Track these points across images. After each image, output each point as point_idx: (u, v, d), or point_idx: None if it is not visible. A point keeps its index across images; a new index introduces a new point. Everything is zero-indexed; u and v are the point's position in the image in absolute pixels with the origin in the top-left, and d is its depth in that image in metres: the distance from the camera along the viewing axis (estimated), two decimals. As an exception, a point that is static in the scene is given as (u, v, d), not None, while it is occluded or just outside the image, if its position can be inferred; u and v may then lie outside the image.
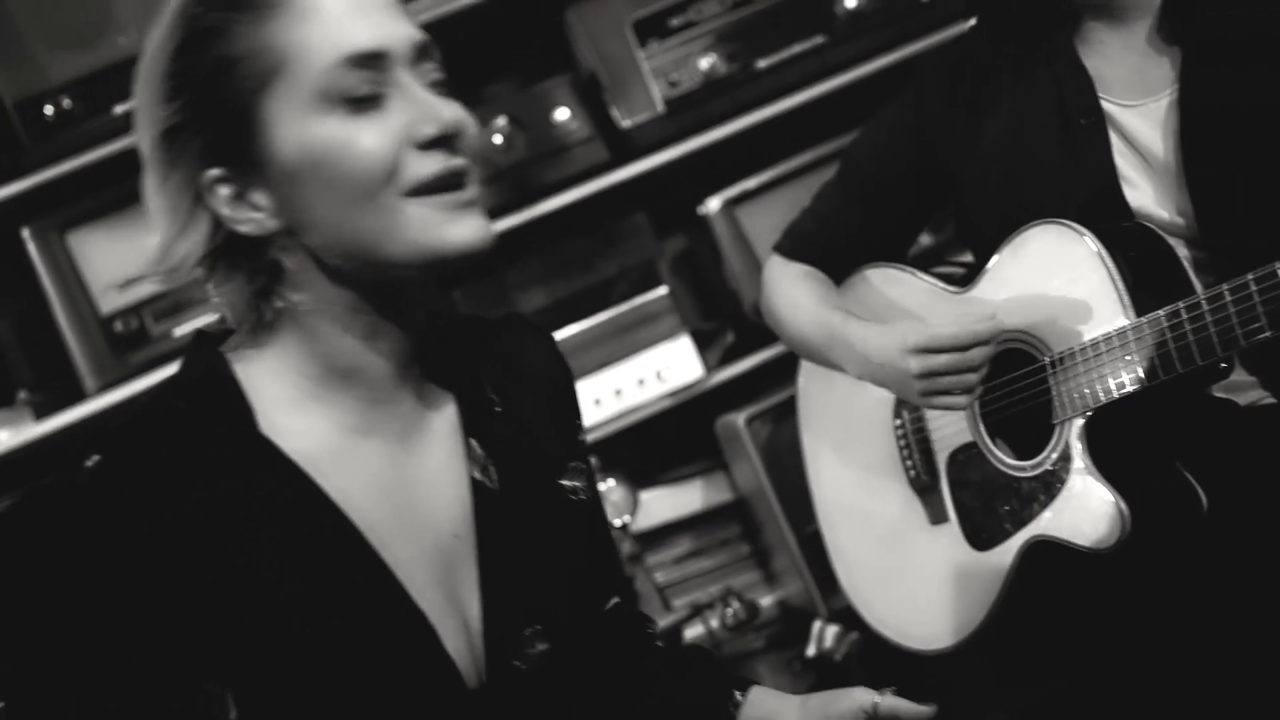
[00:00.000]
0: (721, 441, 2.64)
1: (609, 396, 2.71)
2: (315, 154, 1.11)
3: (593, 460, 1.45)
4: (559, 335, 2.68)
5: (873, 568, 2.02)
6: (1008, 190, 1.80)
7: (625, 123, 2.74)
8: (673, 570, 2.68)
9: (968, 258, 2.01)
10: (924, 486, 1.94)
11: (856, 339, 1.84)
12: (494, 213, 2.67)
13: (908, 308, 1.93)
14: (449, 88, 1.17)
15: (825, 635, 2.46)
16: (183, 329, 2.65)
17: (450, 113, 1.13)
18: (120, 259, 2.65)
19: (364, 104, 1.11)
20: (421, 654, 1.16)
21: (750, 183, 2.77)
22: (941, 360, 1.72)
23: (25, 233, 2.63)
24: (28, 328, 2.74)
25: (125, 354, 2.63)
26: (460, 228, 1.12)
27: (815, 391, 2.10)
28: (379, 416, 1.19)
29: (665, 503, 2.69)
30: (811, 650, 2.48)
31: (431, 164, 1.11)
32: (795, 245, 2.02)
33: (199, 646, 1.10)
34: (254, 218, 1.14)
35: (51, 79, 2.64)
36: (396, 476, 1.19)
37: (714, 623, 2.44)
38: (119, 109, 2.64)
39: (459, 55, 2.72)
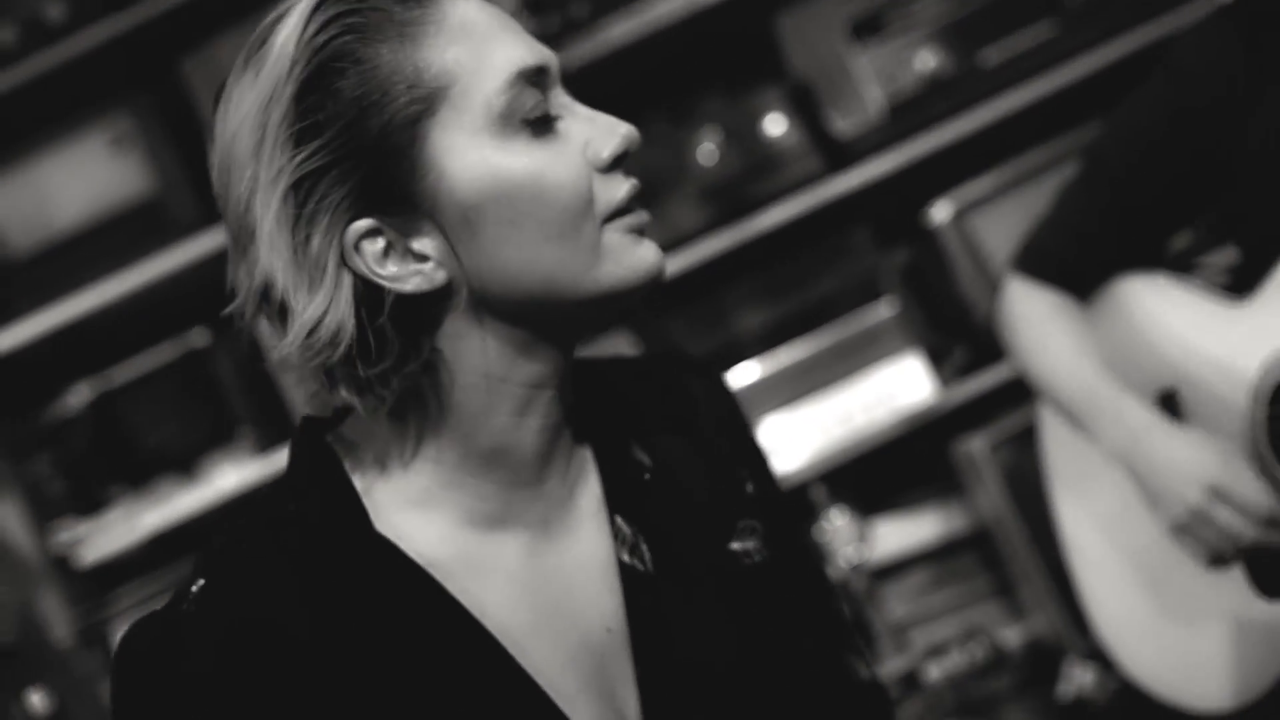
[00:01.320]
0: (959, 467, 2.45)
1: (835, 422, 2.56)
2: (504, 187, 0.96)
3: (778, 509, 1.17)
4: (777, 358, 2.58)
5: (1135, 614, 1.82)
6: None
7: (841, 129, 2.59)
8: (910, 605, 2.51)
9: (1220, 257, 1.79)
10: (1195, 526, 1.72)
11: (1135, 423, 1.66)
12: (705, 230, 2.61)
13: (1175, 330, 1.71)
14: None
15: (1082, 676, 2.25)
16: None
17: (628, 127, 1.00)
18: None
19: (543, 126, 0.98)
20: None
21: (980, 186, 2.58)
22: (1224, 515, 1.55)
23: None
24: (244, 365, 2.74)
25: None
26: (647, 251, 1.00)
27: (1062, 427, 1.90)
28: (520, 501, 1.04)
29: (899, 533, 2.52)
30: (1067, 691, 2.28)
31: (619, 187, 1.00)
32: (1037, 263, 1.81)
33: None
34: (420, 271, 0.97)
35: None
36: (538, 568, 1.04)
37: (954, 663, 2.26)
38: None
39: (664, 70, 2.68)
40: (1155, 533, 1.76)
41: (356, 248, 0.96)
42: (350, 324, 0.95)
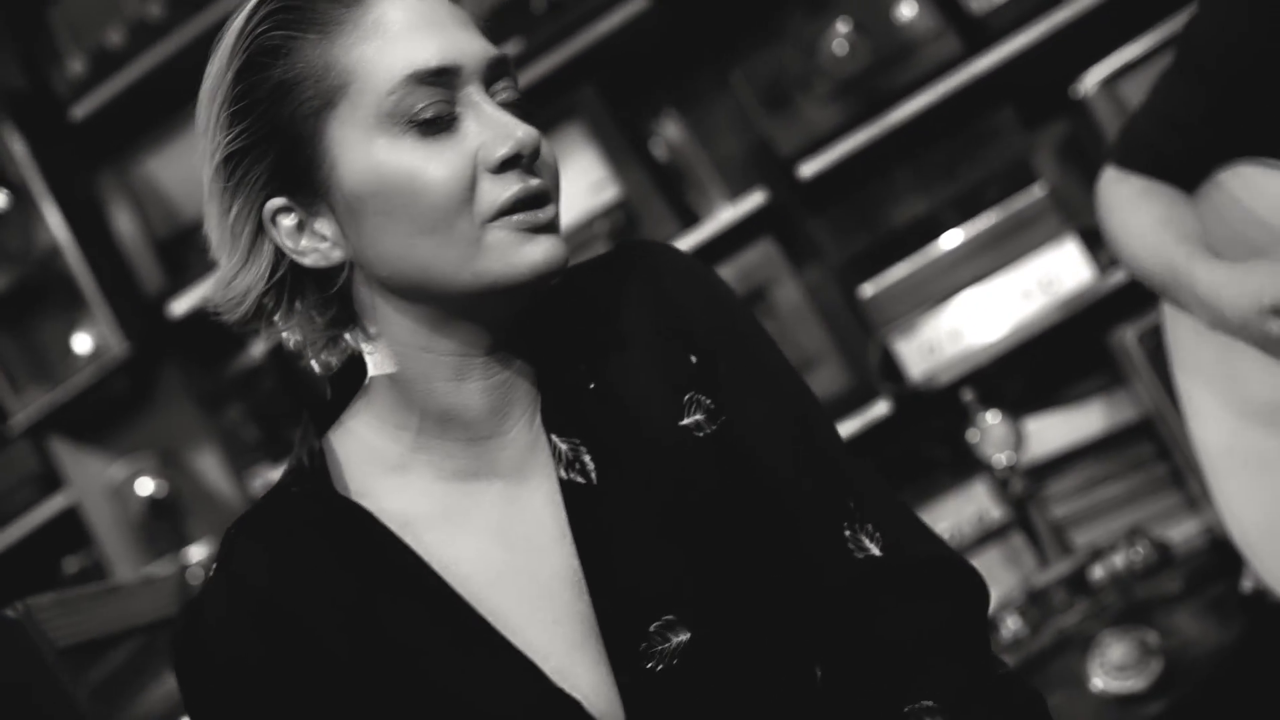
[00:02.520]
0: (1117, 357, 2.33)
1: (990, 315, 2.46)
2: (382, 182, 1.04)
3: (741, 378, 1.15)
4: (929, 250, 2.49)
5: (1268, 518, 1.71)
6: None
7: (977, 6, 2.44)
8: (1076, 501, 2.42)
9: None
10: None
11: (1205, 286, 1.55)
12: (845, 127, 2.53)
13: (1273, 203, 1.58)
14: (524, 108, 1.09)
15: (1261, 568, 2.13)
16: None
17: (526, 131, 1.05)
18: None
19: (433, 126, 1.04)
20: (530, 697, 1.06)
21: (1130, 51, 2.39)
22: None
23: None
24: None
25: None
26: (535, 249, 1.05)
27: (1184, 321, 1.78)
28: (488, 453, 1.12)
29: (1061, 428, 2.42)
30: (1248, 585, 2.17)
31: (507, 188, 1.05)
32: (1132, 154, 1.71)
33: None
34: (318, 249, 1.09)
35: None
36: (512, 511, 1.12)
37: (1119, 565, 2.17)
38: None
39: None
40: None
41: (274, 221, 1.08)
42: (260, 285, 1.09)
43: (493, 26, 1.10)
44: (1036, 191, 2.48)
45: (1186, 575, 2.14)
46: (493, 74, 1.07)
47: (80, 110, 2.80)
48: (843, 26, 2.53)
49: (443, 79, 1.04)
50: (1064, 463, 2.43)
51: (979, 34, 2.45)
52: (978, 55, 2.45)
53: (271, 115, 1.06)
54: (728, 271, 2.61)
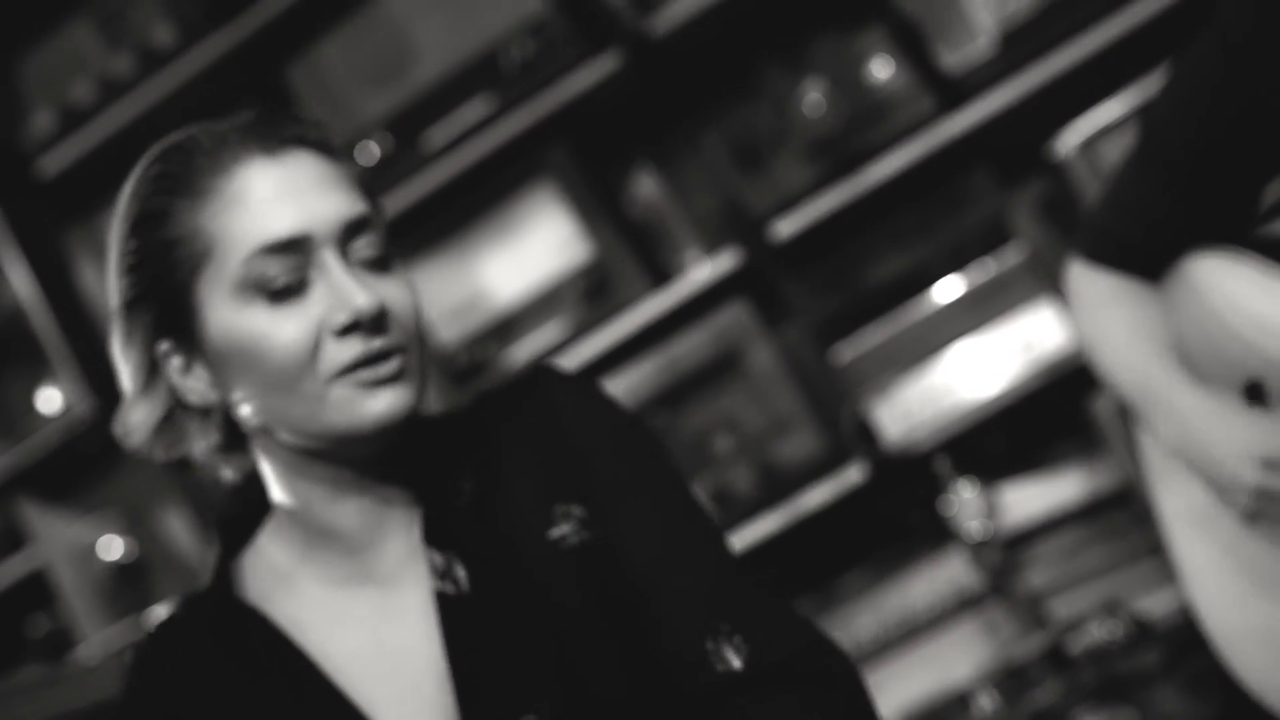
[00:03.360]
0: (1101, 423, 2.28)
1: (967, 378, 2.41)
2: (238, 342, 1.15)
3: (613, 489, 1.22)
4: (905, 311, 2.44)
5: (1250, 624, 1.64)
6: None
7: (951, 65, 2.41)
8: (1054, 570, 2.36)
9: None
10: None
11: (1185, 411, 1.49)
12: (818, 186, 2.49)
13: (1259, 315, 1.52)
14: (385, 263, 1.17)
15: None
16: (521, 352, 2.62)
17: (365, 300, 1.12)
18: (442, 290, 2.65)
19: (283, 294, 1.14)
20: None
21: (1107, 112, 2.35)
22: None
23: (362, 276, 2.67)
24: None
25: (468, 382, 2.63)
26: (375, 403, 1.14)
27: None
28: (365, 563, 1.22)
29: (1040, 495, 2.36)
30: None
31: (348, 350, 1.13)
32: (1096, 247, 1.65)
33: None
34: (196, 389, 1.19)
35: (366, 117, 2.66)
36: (383, 617, 1.21)
37: (1096, 639, 2.11)
38: (431, 140, 2.62)
39: (759, 21, 2.54)
40: (1260, 541, 1.59)
41: (167, 359, 1.19)
42: (153, 416, 1.20)
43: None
44: (1013, 253, 2.44)
45: (1166, 649, 2.08)
46: (350, 234, 1.15)
47: (48, 167, 2.78)
48: (816, 86, 2.49)
49: (294, 248, 1.13)
50: (1042, 530, 2.37)
51: (953, 93, 2.42)
52: (952, 114, 2.41)
53: (156, 271, 1.17)
54: (700, 334, 2.56)
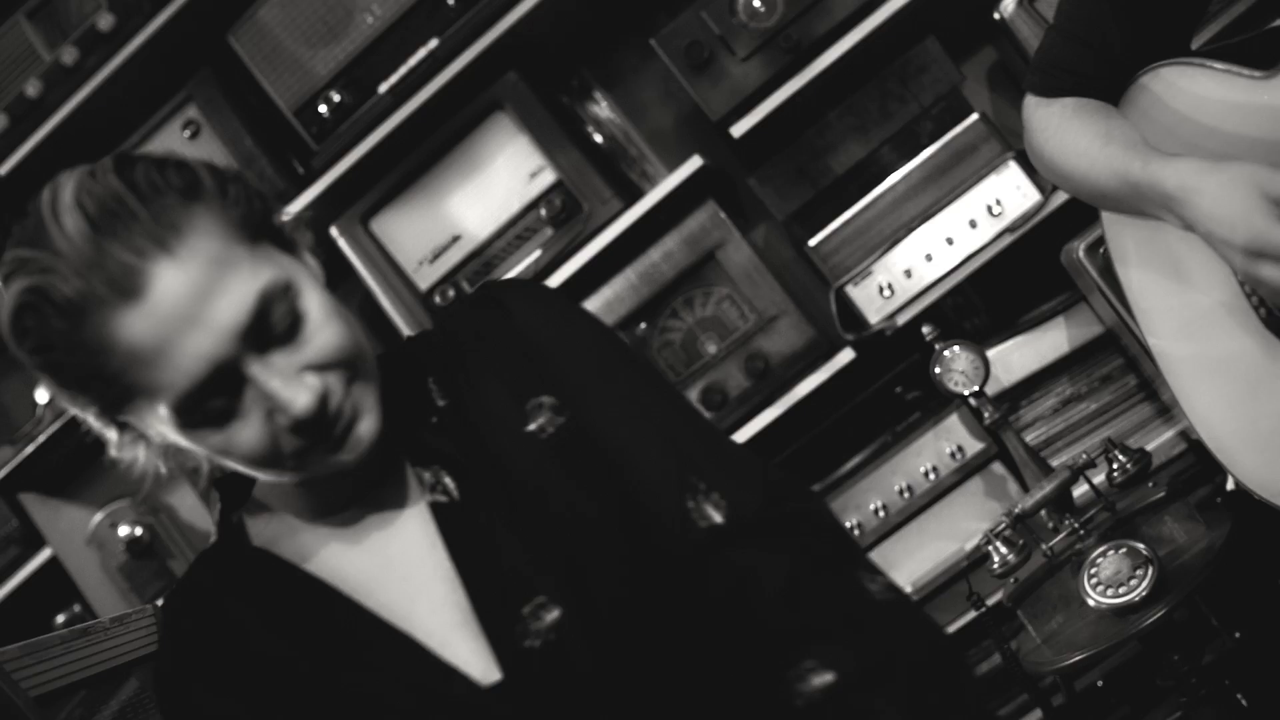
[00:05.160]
0: (1070, 273, 2.32)
1: (940, 247, 2.45)
2: (205, 450, 1.17)
3: (577, 374, 1.27)
4: (873, 193, 2.47)
5: (1237, 421, 1.69)
6: None
7: (888, -58, 2.43)
8: (1052, 422, 2.40)
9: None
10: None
11: (1174, 184, 1.51)
12: (771, 83, 2.51)
13: (1206, 120, 1.55)
14: (300, 318, 1.15)
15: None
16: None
17: (301, 405, 1.13)
18: (421, 234, 2.67)
19: (225, 415, 1.14)
20: (422, 671, 1.19)
21: (1046, -34, 2.38)
22: (1269, 272, 1.41)
23: (334, 231, 2.69)
24: (362, 320, 2.81)
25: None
26: (348, 455, 1.18)
27: (1125, 229, 1.76)
28: (357, 493, 1.27)
29: (1029, 351, 2.40)
30: (1230, 484, 2.15)
31: (306, 436, 1.15)
32: (1051, 79, 1.67)
33: None
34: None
35: (317, 77, 2.67)
36: (386, 535, 1.26)
37: (1100, 480, 2.16)
38: (383, 87, 2.63)
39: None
40: (1241, 340, 1.63)
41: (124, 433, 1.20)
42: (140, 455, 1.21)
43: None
44: (972, 120, 2.47)
45: (1168, 482, 2.12)
46: (258, 327, 1.12)
47: (3, 167, 2.77)
48: (756, -19, 2.50)
49: (213, 381, 1.11)
50: (1034, 386, 2.41)
51: (894, -31, 2.43)
52: (894, -9, 2.43)
53: (80, 399, 1.15)
54: (674, 241, 2.59)
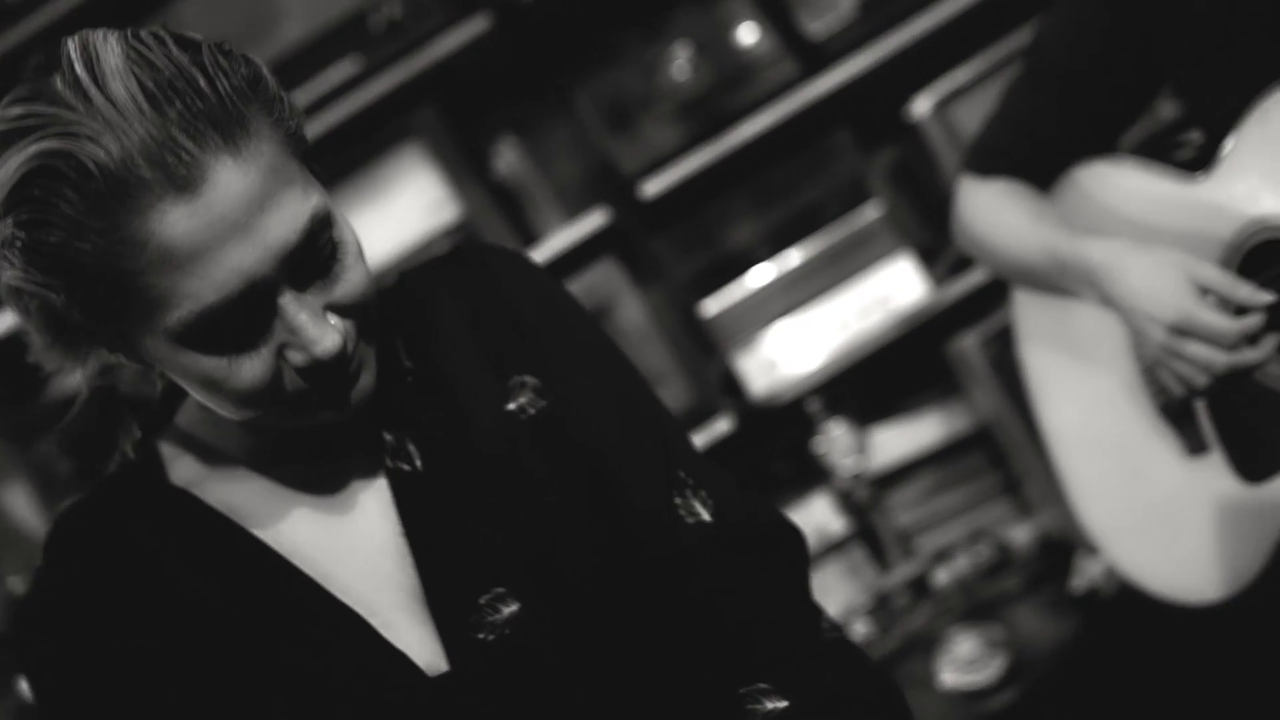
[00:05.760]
0: (955, 366, 2.41)
1: (830, 330, 2.52)
2: (190, 378, 1.03)
3: (564, 357, 1.19)
4: (769, 270, 2.54)
5: (1121, 508, 1.78)
6: (1233, 63, 1.51)
7: (814, 31, 2.52)
8: (917, 510, 2.48)
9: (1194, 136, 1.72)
10: (1176, 413, 1.68)
11: (1100, 267, 1.58)
12: (685, 147, 2.57)
13: (1134, 213, 1.65)
14: (336, 250, 1.03)
15: (1093, 568, 2.22)
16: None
17: (327, 346, 1.01)
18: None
19: (236, 344, 1.01)
20: (363, 651, 1.09)
21: (959, 77, 2.50)
22: (1192, 349, 1.49)
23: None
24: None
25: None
26: (343, 411, 1.07)
27: (1034, 309, 1.85)
28: (306, 448, 1.14)
29: (901, 439, 2.48)
30: (1080, 585, 2.25)
31: (311, 381, 1.04)
32: (989, 160, 1.76)
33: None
34: (122, 365, 1.09)
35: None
36: (332, 496, 1.14)
37: (962, 566, 2.24)
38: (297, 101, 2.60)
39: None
40: (1131, 426, 1.72)
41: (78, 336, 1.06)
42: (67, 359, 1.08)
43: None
44: (871, 211, 2.56)
45: (1024, 576, 2.21)
46: (301, 255, 1.00)
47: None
48: (684, 50, 2.57)
49: (240, 301, 0.99)
50: (906, 471, 2.49)
51: (816, 58, 2.53)
52: (814, 78, 2.52)
53: (57, 300, 0.99)
54: (572, 290, 2.60)
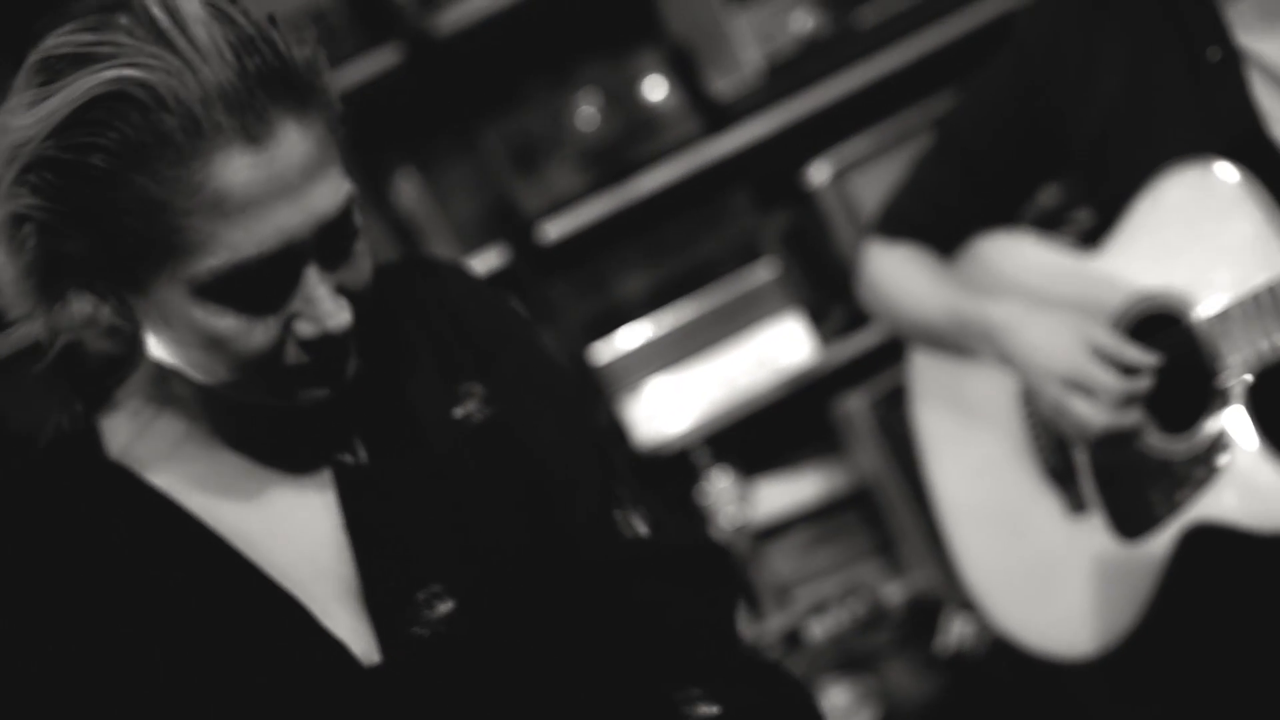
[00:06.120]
0: (839, 426, 2.47)
1: (717, 384, 2.56)
2: (197, 335, 1.03)
3: (511, 368, 1.22)
4: (660, 321, 2.58)
5: (1002, 566, 1.84)
6: (1132, 147, 1.61)
7: (720, 91, 2.59)
8: (793, 564, 2.53)
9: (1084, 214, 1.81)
10: (1060, 473, 1.75)
11: (999, 325, 1.65)
12: (585, 193, 2.60)
13: (1029, 281, 1.74)
14: (354, 236, 1.06)
15: (962, 628, 2.28)
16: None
17: (338, 322, 1.04)
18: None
19: (255, 305, 1.02)
20: (300, 637, 1.10)
21: (857, 147, 2.59)
22: (1078, 405, 1.57)
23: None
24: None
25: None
26: (321, 391, 1.09)
27: (929, 372, 1.92)
28: (251, 435, 1.14)
29: (782, 493, 2.53)
30: (946, 644, 2.31)
31: (310, 354, 1.06)
32: (895, 224, 1.84)
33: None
34: (101, 314, 1.05)
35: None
36: (273, 485, 1.15)
37: (835, 619, 2.28)
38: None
39: (542, 35, 2.65)
40: (1017, 486, 1.79)
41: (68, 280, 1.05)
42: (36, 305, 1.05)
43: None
44: (763, 271, 2.62)
45: (896, 632, 2.26)
46: (333, 230, 1.03)
47: None
48: (591, 99, 2.62)
49: (273, 262, 1.01)
50: (784, 527, 2.53)
51: (720, 117, 2.59)
52: (717, 137, 2.58)
53: (80, 228, 0.99)
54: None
